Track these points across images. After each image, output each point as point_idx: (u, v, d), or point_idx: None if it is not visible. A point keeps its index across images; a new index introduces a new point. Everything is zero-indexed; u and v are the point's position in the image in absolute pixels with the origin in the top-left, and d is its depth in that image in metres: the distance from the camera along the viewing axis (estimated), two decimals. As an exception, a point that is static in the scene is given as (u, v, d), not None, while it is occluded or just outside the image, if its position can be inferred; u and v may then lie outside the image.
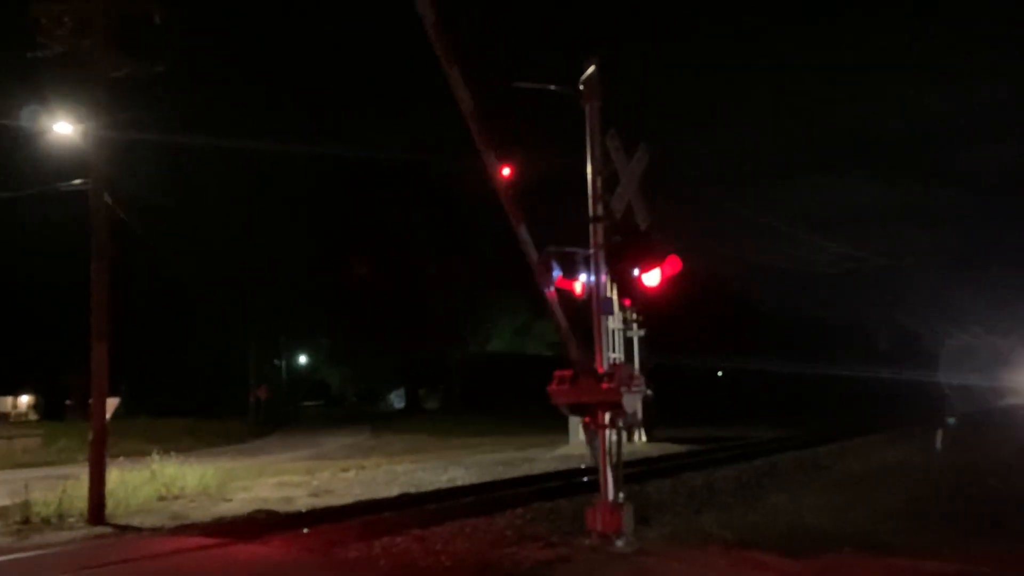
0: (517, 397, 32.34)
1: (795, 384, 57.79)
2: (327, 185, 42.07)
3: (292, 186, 40.62)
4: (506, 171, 9.64)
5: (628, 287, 11.21)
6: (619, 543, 9.06)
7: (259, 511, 13.47)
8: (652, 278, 10.20)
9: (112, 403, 13.66)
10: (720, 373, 55.45)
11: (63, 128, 13.80)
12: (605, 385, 9.15)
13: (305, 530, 11.28)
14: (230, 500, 14.92)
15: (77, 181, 13.32)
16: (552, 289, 9.97)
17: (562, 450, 23.03)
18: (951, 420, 21.62)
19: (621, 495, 9.51)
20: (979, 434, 26.77)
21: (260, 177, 38.21)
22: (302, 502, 14.60)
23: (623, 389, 9.15)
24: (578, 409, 9.67)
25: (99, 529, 12.02)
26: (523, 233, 9.17)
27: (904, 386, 60.77)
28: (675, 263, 10.20)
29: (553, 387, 9.62)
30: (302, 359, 48.76)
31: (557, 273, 10.40)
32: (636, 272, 10.27)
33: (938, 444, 21.84)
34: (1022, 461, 18.55)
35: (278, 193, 40.03)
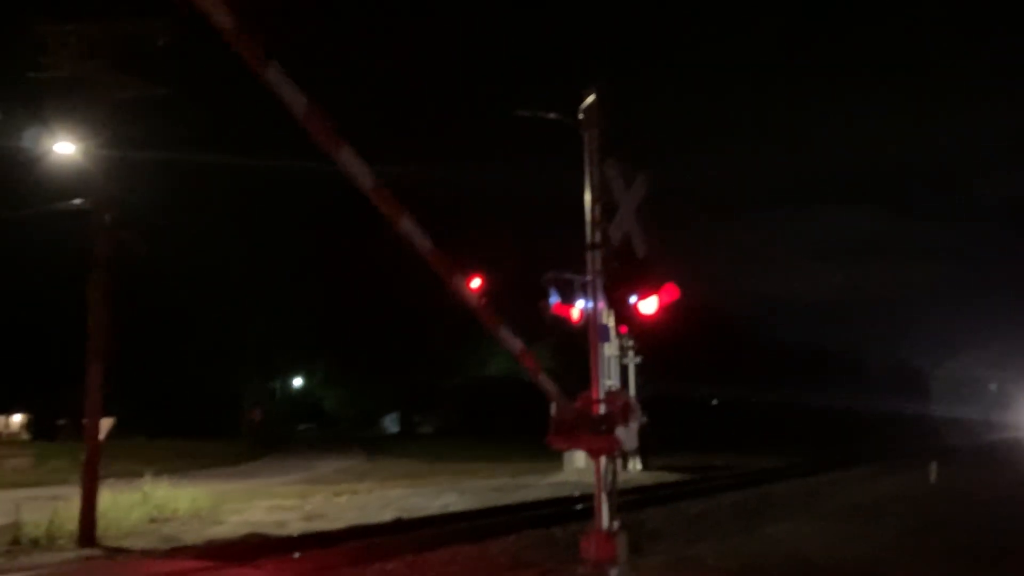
0: (512, 422, 32.26)
1: (791, 413, 57.70)
2: (326, 208, 42.23)
3: (291, 209, 40.78)
4: (475, 283, 9.66)
5: (625, 314, 11.22)
6: (613, 572, 8.98)
7: (252, 535, 13.38)
8: (649, 306, 10.24)
9: (106, 423, 13.62)
10: (715, 401, 55.30)
11: (65, 148, 13.84)
12: (604, 440, 9.20)
13: (297, 555, 11.21)
14: (222, 523, 14.81)
15: (78, 201, 13.36)
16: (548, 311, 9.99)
17: (556, 477, 22.94)
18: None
19: (616, 523, 9.45)
20: (973, 467, 26.73)
21: (259, 200, 38.38)
22: (295, 526, 14.50)
23: (619, 430, 9.16)
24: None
25: (89, 551, 11.92)
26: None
27: (899, 417, 60.74)
28: (672, 291, 10.25)
29: (552, 437, 9.69)
30: (297, 382, 48.60)
31: (555, 299, 10.43)
32: (633, 299, 10.30)
33: (932, 476, 21.80)
34: (1015, 493, 18.52)
35: (277, 216, 40.19)
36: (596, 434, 9.28)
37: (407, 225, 6.66)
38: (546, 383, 9.10)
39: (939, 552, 11.26)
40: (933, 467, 22.48)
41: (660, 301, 10.33)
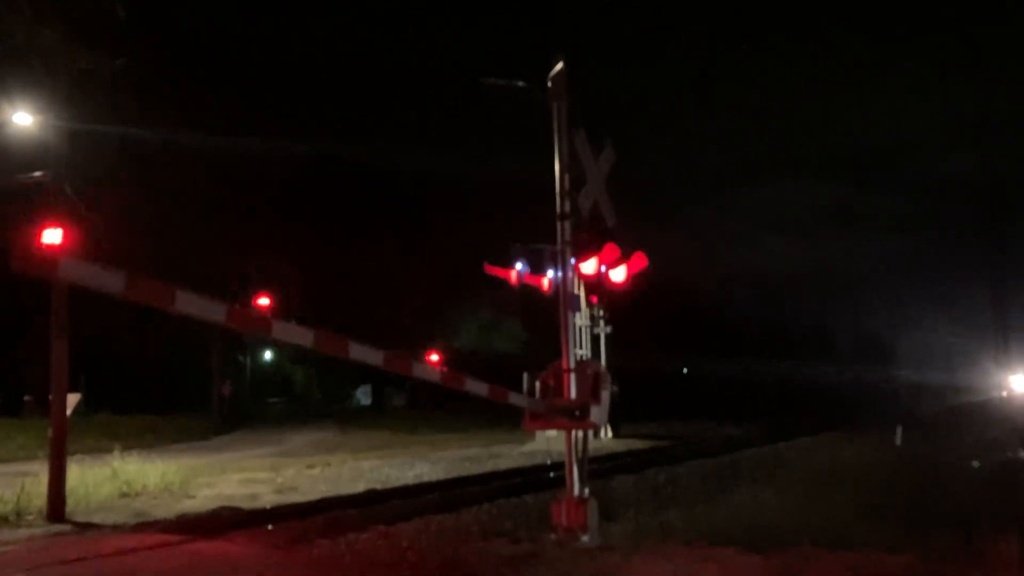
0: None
1: (758, 384, 58.46)
2: (297, 181, 41.73)
3: (258, 183, 40.17)
4: (434, 358, 9.91)
5: (595, 284, 11.28)
6: (584, 538, 9.12)
7: (223, 508, 13.35)
8: (618, 275, 10.33)
9: (73, 399, 13.46)
10: (685, 371, 55.90)
11: (22, 119, 13.55)
12: (579, 424, 9.37)
13: (270, 527, 11.21)
14: (193, 497, 14.77)
15: (37, 173, 13.09)
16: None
17: (528, 446, 23.09)
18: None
19: (586, 491, 9.57)
20: (937, 432, 27.28)
21: (227, 172, 37.78)
22: (267, 499, 14.50)
23: (594, 410, 9.34)
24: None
25: (59, 527, 11.83)
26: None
27: (865, 385, 61.82)
28: (640, 260, 10.34)
29: (527, 422, 9.88)
30: (267, 356, 48.31)
31: (524, 270, 10.45)
32: (603, 269, 10.37)
33: (897, 440, 22.25)
34: (979, 457, 18.95)
35: (247, 187, 39.60)
36: (572, 420, 9.45)
37: (356, 351, 6.89)
38: (521, 400, 9.26)
39: (902, 516, 11.50)
40: (898, 432, 22.94)
41: (629, 270, 10.42)
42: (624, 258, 10.22)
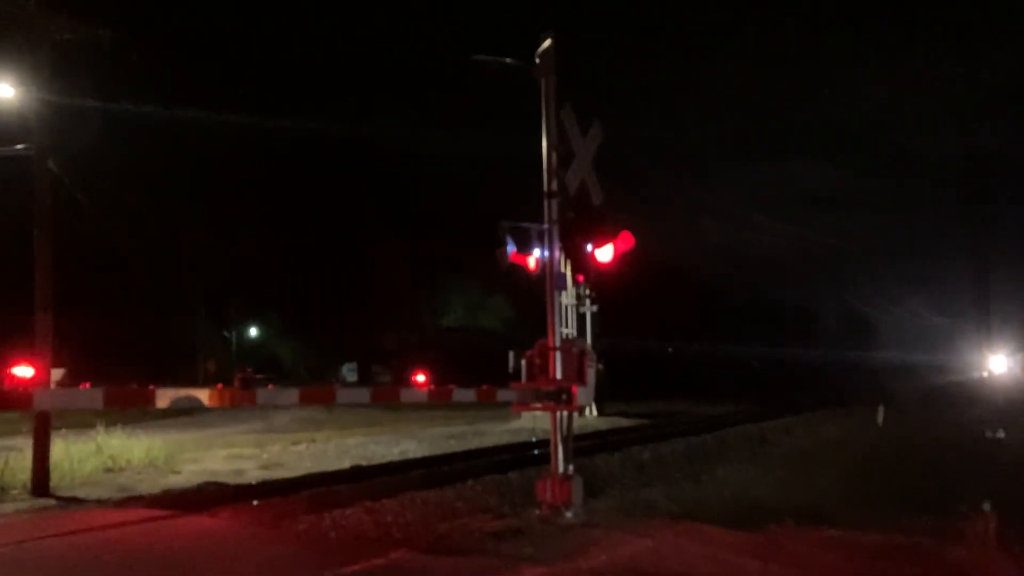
0: (470, 372, 32.44)
1: (744, 362, 58.85)
2: (282, 158, 41.49)
3: (246, 158, 39.92)
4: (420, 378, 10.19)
5: (581, 263, 11.27)
6: (568, 515, 9.19)
7: (208, 484, 13.35)
8: (605, 254, 10.30)
9: (57, 374, 13.41)
10: (670, 349, 56.18)
11: (3, 91, 13.37)
12: (566, 407, 9.45)
13: (255, 502, 11.23)
14: (178, 472, 14.76)
15: (19, 146, 12.94)
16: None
17: (513, 424, 23.18)
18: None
19: (571, 468, 9.63)
20: (919, 411, 27.59)
21: (213, 148, 37.51)
22: (252, 475, 14.51)
23: (580, 391, 9.44)
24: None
25: (43, 501, 11.81)
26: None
27: (848, 364, 62.32)
28: (628, 239, 10.30)
29: (515, 406, 9.94)
30: (252, 332, 48.19)
31: (511, 248, 10.43)
32: (589, 248, 10.34)
33: (879, 420, 22.49)
34: (958, 436, 19.19)
35: (232, 165, 39.34)
36: (559, 404, 9.52)
37: (343, 395, 7.31)
38: (509, 395, 9.42)
39: (882, 493, 11.66)
40: (880, 411, 23.19)
41: (616, 249, 10.39)
42: (611, 237, 10.18)
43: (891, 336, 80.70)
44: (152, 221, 35.64)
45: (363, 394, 7.80)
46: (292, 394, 6.84)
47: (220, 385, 6.41)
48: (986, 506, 7.69)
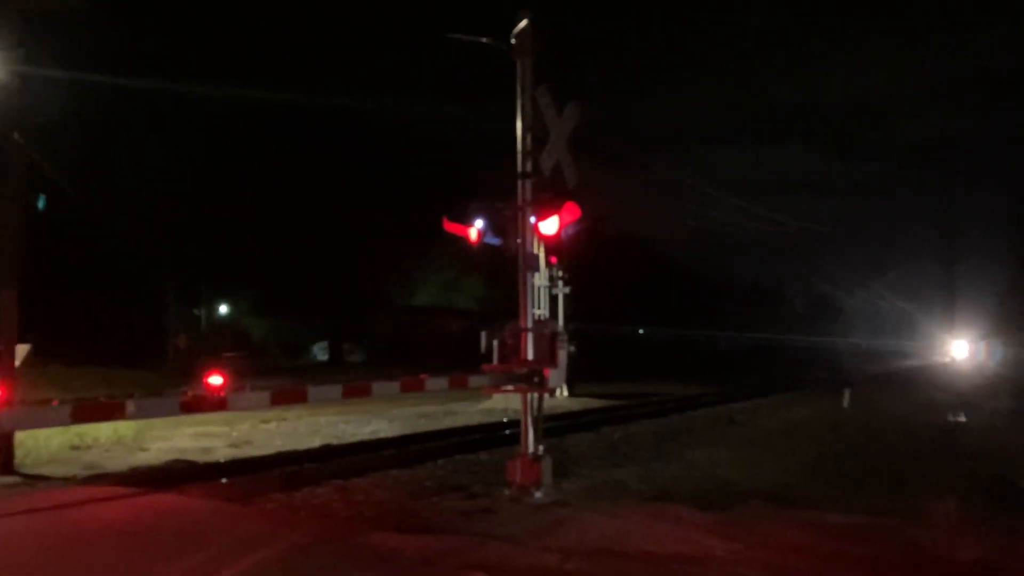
0: (443, 351, 32.42)
1: (715, 344, 59.40)
2: (251, 132, 40.85)
3: (215, 131, 39.21)
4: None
5: (554, 244, 11.30)
6: (538, 494, 9.25)
7: (176, 461, 13.27)
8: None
9: (22, 350, 13.19)
10: (641, 331, 56.55)
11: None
12: (537, 389, 9.49)
13: (224, 480, 11.18)
14: (146, 450, 14.65)
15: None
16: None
17: (485, 404, 23.22)
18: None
19: (541, 448, 9.69)
20: (884, 394, 28.03)
21: (183, 121, 36.90)
22: (221, 453, 14.44)
23: (553, 373, 9.49)
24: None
25: (8, 479, 11.67)
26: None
27: (817, 347, 63.11)
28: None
29: (488, 389, 10.00)
30: (223, 309, 47.75)
31: (483, 228, 10.42)
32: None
33: (845, 403, 22.83)
34: (922, 419, 19.54)
35: (200, 138, 38.67)
36: (531, 386, 9.56)
37: (314, 393, 7.30)
38: (481, 381, 9.45)
39: (847, 475, 11.86)
40: (846, 394, 23.55)
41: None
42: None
43: (858, 320, 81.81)
44: (123, 193, 35.05)
45: (335, 392, 7.73)
46: (264, 398, 6.79)
47: (190, 394, 6.33)
48: (946, 487, 7.85)
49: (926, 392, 28.59)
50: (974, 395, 25.44)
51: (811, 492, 10.13)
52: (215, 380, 7.59)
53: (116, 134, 33.89)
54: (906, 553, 6.54)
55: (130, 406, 5.31)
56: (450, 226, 10.46)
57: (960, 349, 50.57)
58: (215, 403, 7.18)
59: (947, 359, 52.98)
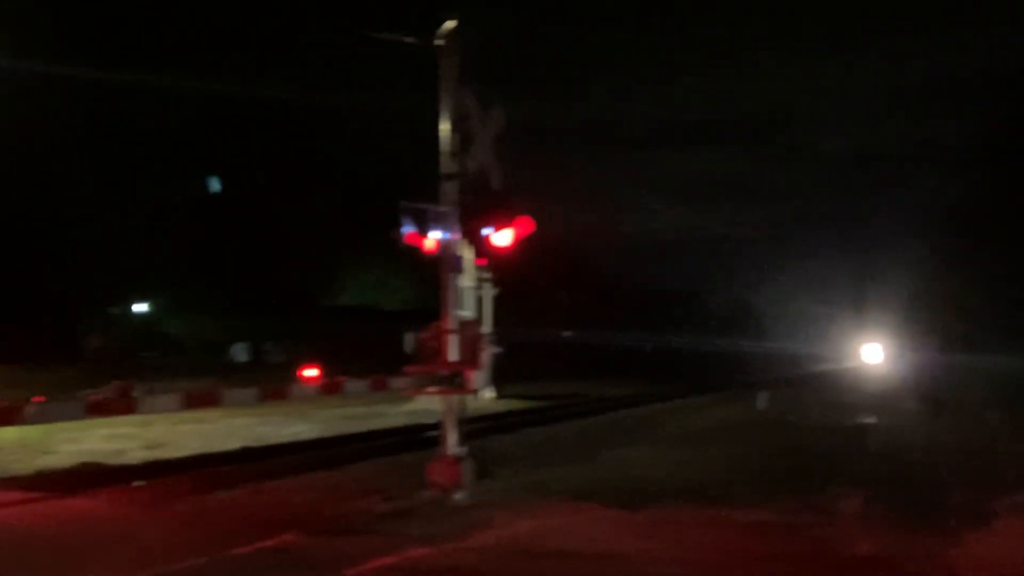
0: (369, 353, 32.14)
1: (638, 347, 60.25)
2: (176, 127, 39.68)
3: (137, 124, 37.93)
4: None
5: (479, 246, 11.34)
6: (458, 496, 9.26)
7: (86, 464, 12.83)
8: (503, 238, 10.36)
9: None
10: (568, 333, 57.00)
11: None
12: (459, 390, 9.48)
13: (137, 483, 10.88)
14: (54, 452, 14.10)
15: None
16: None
17: (410, 405, 23.07)
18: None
19: (462, 449, 9.70)
20: (798, 396, 28.86)
21: (103, 116, 35.68)
22: (134, 455, 14.01)
23: (476, 376, 9.51)
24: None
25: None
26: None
27: (736, 351, 64.65)
28: (527, 224, 10.40)
29: (413, 392, 9.96)
30: (140, 307, 46.33)
31: (409, 229, 10.39)
32: (487, 231, 10.39)
33: (760, 404, 23.46)
34: (833, 421, 20.20)
35: (120, 131, 37.41)
36: (453, 387, 9.56)
37: (229, 397, 7.04)
38: (400, 384, 9.36)
39: (760, 474, 12.19)
40: (763, 397, 24.20)
41: (516, 234, 10.47)
42: (510, 222, 10.25)
43: (774, 324, 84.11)
44: (36, 187, 33.76)
45: (251, 395, 7.66)
46: (176, 401, 6.63)
47: (100, 397, 6.16)
48: (851, 485, 8.14)
49: (837, 394, 29.51)
50: (882, 397, 26.38)
51: (726, 491, 10.38)
52: (123, 383, 7.43)
53: (31, 127, 32.61)
54: (809, 548, 6.77)
55: (29, 410, 5.11)
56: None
57: (871, 353, 52.38)
58: (124, 406, 6.98)
59: (859, 362, 54.84)
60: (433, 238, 10.27)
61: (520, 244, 10.84)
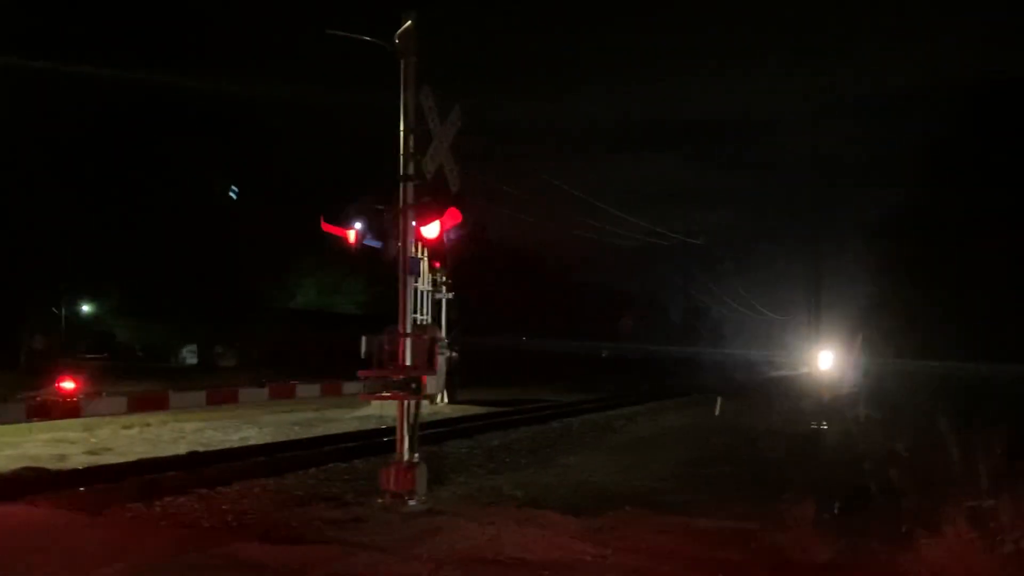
0: (322, 356, 31.75)
1: (595, 353, 60.49)
2: (124, 123, 38.68)
3: (78, 118, 36.75)
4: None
5: (436, 248, 11.22)
6: (412, 502, 9.11)
7: (26, 469, 12.39)
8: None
9: None
10: (524, 338, 57.00)
11: None
12: (415, 396, 9.34)
13: (81, 489, 10.52)
14: (-8, 458, 13.65)
15: None
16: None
17: (362, 410, 22.83)
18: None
19: (416, 455, 9.55)
20: (754, 403, 29.15)
21: (40, 106, 34.62)
22: (78, 460, 13.61)
23: (431, 380, 9.38)
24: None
25: None
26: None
27: (693, 358, 65.27)
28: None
29: (364, 396, 9.82)
30: (85, 309, 45.16)
31: (363, 229, 10.23)
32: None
33: (717, 410, 23.63)
34: (788, 427, 20.40)
35: (60, 126, 36.29)
36: (408, 392, 9.40)
37: (176, 399, 6.80)
38: (355, 388, 9.16)
39: (716, 480, 12.22)
40: (718, 403, 24.37)
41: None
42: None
43: (731, 331, 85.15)
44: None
45: (199, 398, 7.44)
46: (121, 403, 6.39)
47: (40, 399, 5.91)
48: (806, 491, 8.17)
49: (793, 401, 29.86)
50: (836, 403, 26.74)
51: (681, 497, 10.37)
52: (67, 385, 7.14)
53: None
54: (766, 556, 6.75)
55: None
56: (328, 227, 10.19)
57: (825, 360, 53.10)
58: (67, 409, 6.72)
59: (813, 369, 55.57)
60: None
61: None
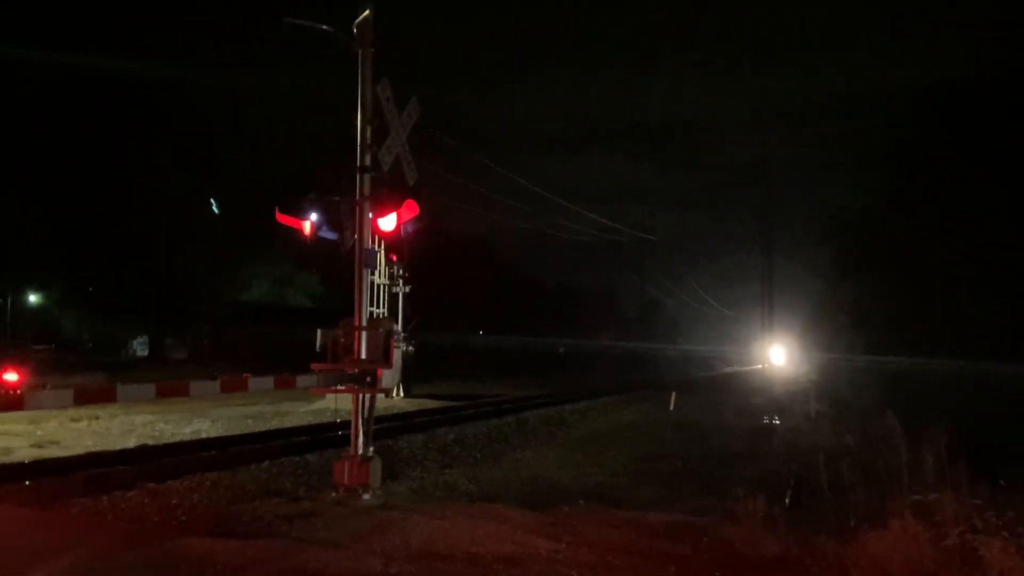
0: (275, 349, 31.38)
1: (551, 348, 60.71)
2: (68, 110, 37.60)
3: (18, 107, 35.66)
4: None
5: (393, 241, 11.13)
6: (365, 497, 9.04)
7: (-33, 464, 12.09)
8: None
9: None
10: (481, 332, 56.98)
11: None
12: (369, 390, 9.25)
13: (26, 483, 10.27)
14: (-68, 451, 13.28)
15: None
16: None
17: (316, 404, 22.62)
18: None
19: (370, 450, 9.48)
20: (707, 398, 29.50)
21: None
22: (23, 453, 13.30)
23: (386, 374, 9.31)
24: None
25: None
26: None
27: (648, 352, 65.87)
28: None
29: (316, 389, 9.74)
30: (30, 299, 43.99)
31: (318, 222, 10.11)
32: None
33: (671, 406, 23.86)
34: (741, 422, 20.70)
35: (15, 113, 35.28)
36: (362, 386, 9.31)
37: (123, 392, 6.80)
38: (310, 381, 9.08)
39: (669, 475, 12.36)
40: (672, 398, 24.62)
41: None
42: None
43: (685, 326, 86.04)
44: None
45: (148, 391, 7.24)
46: (67, 396, 6.22)
47: None
48: (757, 486, 8.27)
49: (745, 396, 30.28)
50: (788, 399, 27.19)
51: (634, 492, 10.46)
52: (10, 376, 6.95)
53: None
54: (718, 550, 6.82)
55: None
56: (283, 218, 10.05)
57: (778, 356, 53.91)
58: (9, 401, 6.53)
59: (766, 365, 56.35)
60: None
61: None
